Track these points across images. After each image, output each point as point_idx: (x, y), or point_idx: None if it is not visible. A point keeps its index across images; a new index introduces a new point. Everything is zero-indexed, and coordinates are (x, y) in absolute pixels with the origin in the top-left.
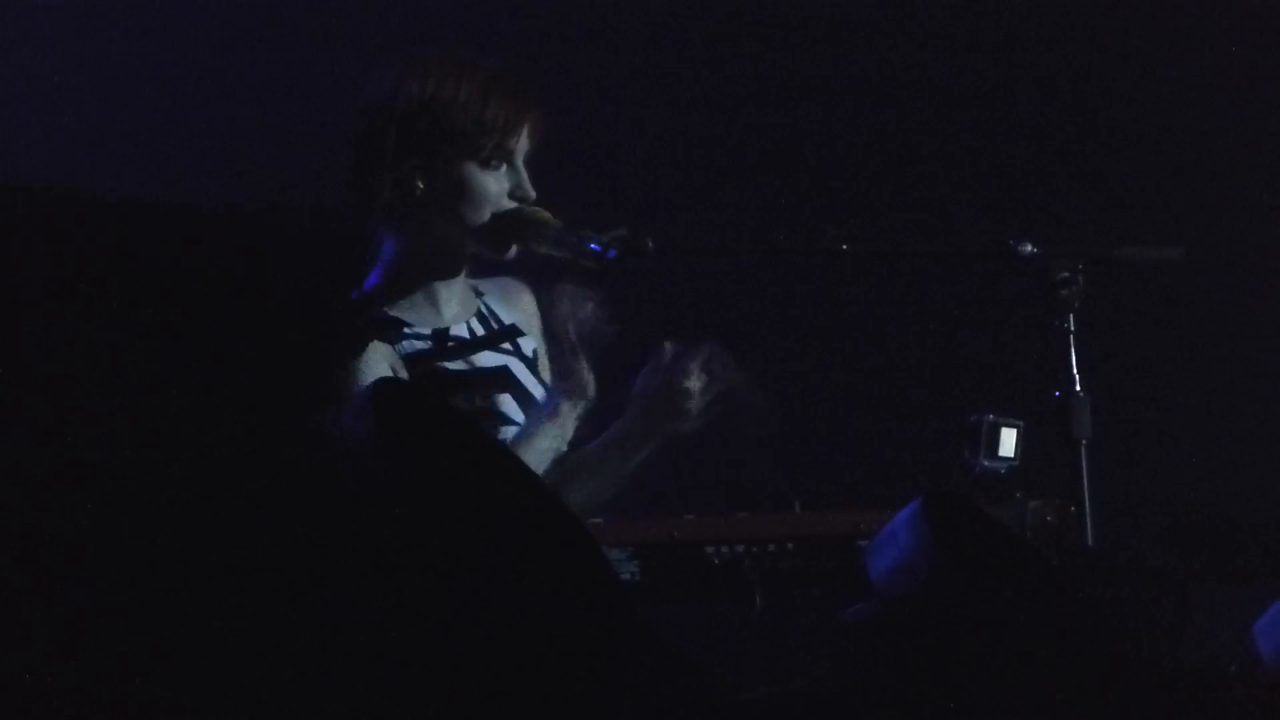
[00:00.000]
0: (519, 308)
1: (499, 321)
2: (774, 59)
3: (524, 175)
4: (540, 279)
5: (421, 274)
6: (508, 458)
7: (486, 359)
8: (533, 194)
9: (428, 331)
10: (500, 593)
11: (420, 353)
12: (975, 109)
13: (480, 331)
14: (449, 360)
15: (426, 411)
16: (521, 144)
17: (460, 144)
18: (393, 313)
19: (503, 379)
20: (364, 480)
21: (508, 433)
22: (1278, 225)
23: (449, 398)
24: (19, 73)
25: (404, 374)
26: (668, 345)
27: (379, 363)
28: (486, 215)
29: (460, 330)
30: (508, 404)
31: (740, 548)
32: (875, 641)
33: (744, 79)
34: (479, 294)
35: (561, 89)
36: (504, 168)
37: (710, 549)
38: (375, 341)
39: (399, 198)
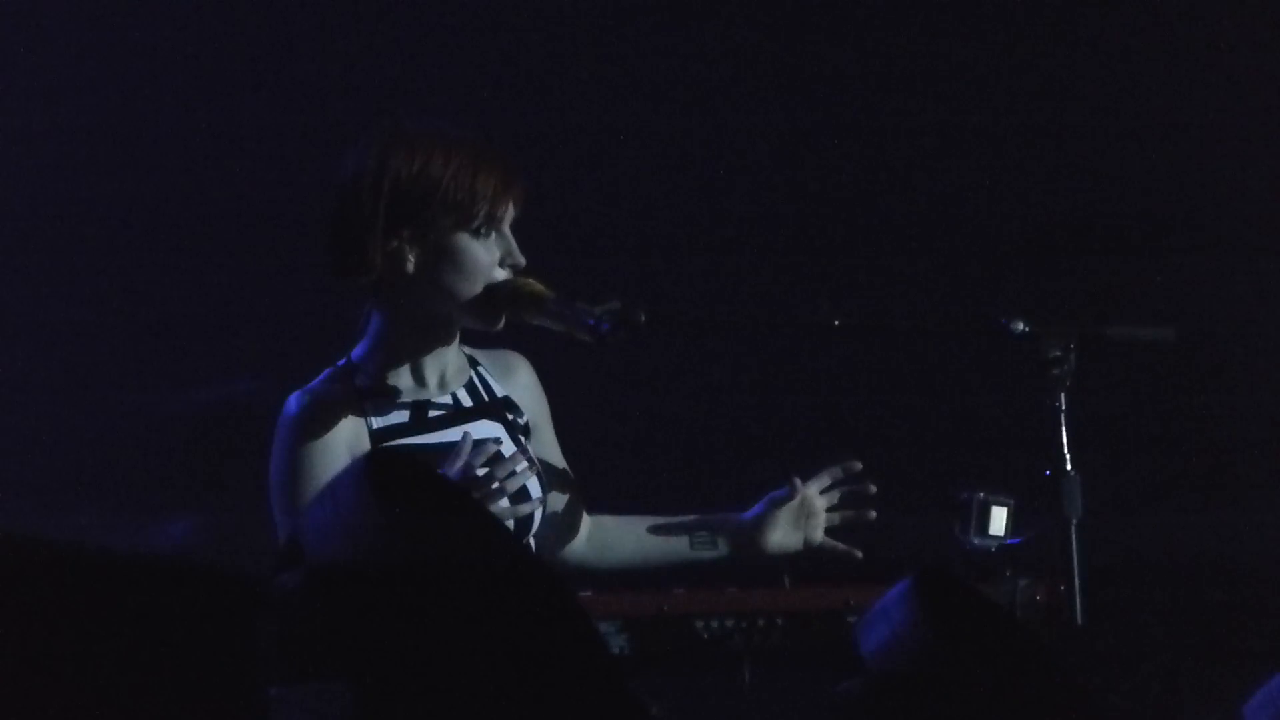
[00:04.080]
0: (515, 380)
1: (490, 392)
2: (766, 131)
3: (513, 242)
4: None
5: (410, 346)
6: (498, 529)
7: (478, 430)
8: (523, 260)
9: (408, 403)
10: (491, 664)
11: (396, 426)
12: (968, 187)
13: (468, 402)
14: (426, 433)
15: (419, 481)
16: (508, 212)
17: (453, 215)
18: (376, 381)
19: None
20: (358, 549)
21: None
22: (1269, 304)
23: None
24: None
25: (365, 446)
26: (797, 481)
27: (341, 435)
28: (479, 286)
29: (445, 400)
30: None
31: (730, 622)
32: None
33: (737, 151)
34: (475, 363)
35: (555, 163)
36: (493, 236)
37: (700, 623)
38: (348, 417)
39: (390, 270)
